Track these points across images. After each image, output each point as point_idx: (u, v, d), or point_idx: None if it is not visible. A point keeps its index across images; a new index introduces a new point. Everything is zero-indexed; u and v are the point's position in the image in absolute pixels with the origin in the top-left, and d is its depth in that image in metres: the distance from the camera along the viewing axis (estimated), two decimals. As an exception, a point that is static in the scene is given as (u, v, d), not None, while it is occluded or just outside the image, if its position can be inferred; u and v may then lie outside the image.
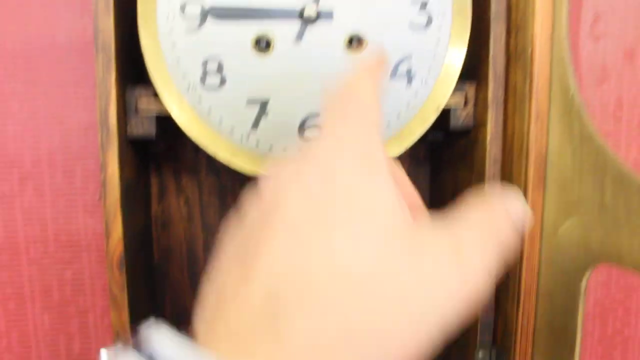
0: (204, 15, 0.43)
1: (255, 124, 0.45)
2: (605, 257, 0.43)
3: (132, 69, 0.48)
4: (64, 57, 0.57)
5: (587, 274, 0.45)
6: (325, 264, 0.23)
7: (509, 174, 0.48)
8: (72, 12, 0.57)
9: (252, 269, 0.24)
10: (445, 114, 0.48)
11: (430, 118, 0.46)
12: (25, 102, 0.57)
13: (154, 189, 0.59)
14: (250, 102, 0.45)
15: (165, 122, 0.46)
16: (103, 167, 0.45)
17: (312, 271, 0.23)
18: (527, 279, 0.49)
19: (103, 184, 0.45)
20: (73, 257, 0.61)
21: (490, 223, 0.26)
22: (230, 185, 0.59)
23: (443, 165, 0.57)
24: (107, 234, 0.46)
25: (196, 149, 0.54)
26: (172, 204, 0.59)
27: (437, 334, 0.24)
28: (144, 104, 0.46)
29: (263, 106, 0.45)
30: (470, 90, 0.48)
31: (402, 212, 0.25)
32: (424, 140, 0.48)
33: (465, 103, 0.48)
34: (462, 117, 0.49)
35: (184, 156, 0.59)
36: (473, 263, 0.25)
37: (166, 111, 0.45)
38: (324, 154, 0.27)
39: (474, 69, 0.48)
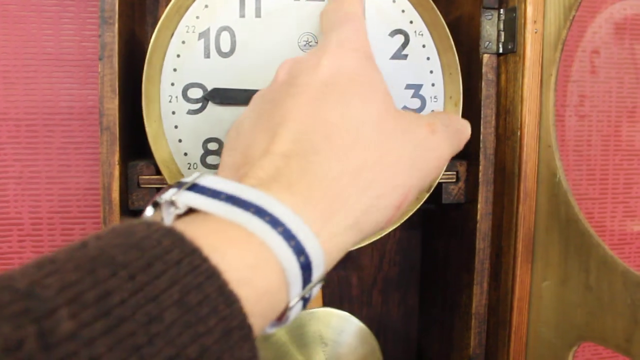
0: (206, 98, 0.45)
1: (254, 202, 0.46)
2: (590, 337, 0.44)
3: (134, 142, 0.49)
4: (65, 123, 0.59)
5: (572, 350, 0.46)
6: (342, 117, 0.30)
7: (499, 248, 0.50)
8: (74, 82, 0.58)
9: (279, 126, 0.30)
10: (437, 188, 0.50)
11: (423, 196, 0.48)
12: (26, 166, 0.59)
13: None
14: (250, 181, 0.46)
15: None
16: (105, 241, 0.46)
17: (333, 122, 0.29)
18: (515, 349, 0.50)
19: (104, 258, 0.46)
20: (70, 315, 0.62)
21: (452, 120, 0.37)
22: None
23: (435, 232, 0.58)
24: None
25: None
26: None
27: (420, 181, 0.32)
28: (146, 178, 0.47)
29: (262, 185, 0.46)
30: (462, 168, 0.50)
31: (391, 95, 0.33)
32: (418, 208, 0.49)
33: (457, 180, 0.50)
34: (454, 193, 0.50)
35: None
36: (441, 137, 0.34)
37: (166, 182, 0.46)
38: (331, 48, 0.33)
39: (465, 148, 0.50)
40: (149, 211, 0.28)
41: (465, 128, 0.38)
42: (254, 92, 0.45)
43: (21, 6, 0.57)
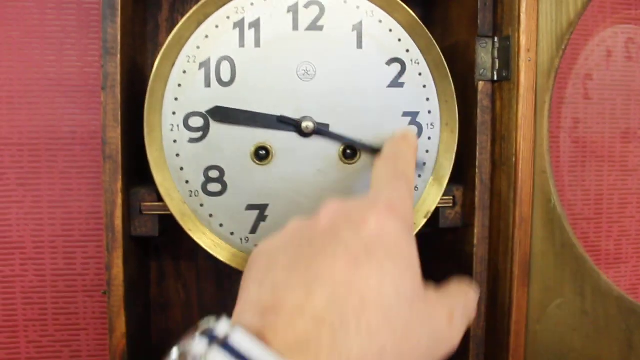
0: (207, 127, 0.46)
1: (254, 228, 0.47)
2: (587, 361, 0.45)
3: (135, 168, 0.50)
4: (67, 148, 0.59)
5: (570, 373, 0.47)
6: (377, 292, 0.29)
7: (496, 272, 0.50)
8: (76, 107, 0.59)
9: (315, 282, 0.29)
10: (435, 213, 0.50)
11: (420, 222, 0.48)
12: (29, 190, 0.59)
13: (153, 274, 0.61)
14: (250, 207, 0.47)
15: (167, 218, 0.48)
16: (108, 267, 0.47)
17: (367, 297, 0.29)
18: (513, 371, 0.51)
19: (108, 283, 0.47)
20: (71, 338, 0.63)
21: (469, 306, 0.37)
22: (226, 271, 0.61)
23: (432, 255, 0.59)
24: (111, 329, 0.47)
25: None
26: (170, 287, 0.61)
27: None
28: (148, 205, 0.48)
29: (262, 212, 0.47)
30: (458, 193, 0.51)
31: (420, 271, 0.33)
32: (416, 234, 0.50)
33: (454, 204, 0.51)
34: (450, 217, 0.51)
35: (182, 242, 0.60)
36: (458, 328, 0.34)
37: (168, 209, 0.47)
38: (380, 208, 0.33)
39: (461, 173, 0.51)
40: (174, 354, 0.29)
41: (474, 311, 0.39)
42: (254, 114, 0.46)
43: (24, 33, 0.58)
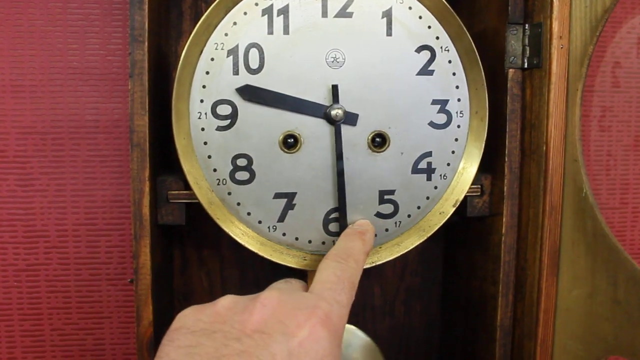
0: (235, 114, 0.46)
1: (282, 217, 0.47)
2: (619, 351, 0.45)
3: (161, 155, 0.50)
4: (90, 137, 0.59)
5: (600, 363, 0.47)
6: None
7: (524, 261, 0.50)
8: (99, 95, 0.59)
9: None
10: (462, 201, 0.50)
11: (448, 211, 0.48)
12: (52, 179, 0.59)
13: (177, 262, 0.61)
14: (278, 196, 0.47)
15: (193, 207, 0.48)
16: (135, 255, 0.47)
17: None
18: (541, 361, 0.50)
19: (135, 271, 0.47)
20: (94, 326, 0.63)
21: None
22: (250, 259, 0.61)
23: (458, 244, 0.59)
24: (138, 318, 0.48)
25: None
26: (194, 276, 0.61)
27: None
28: (175, 193, 0.48)
29: (290, 200, 0.47)
30: (487, 181, 0.50)
31: None
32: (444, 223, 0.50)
33: (482, 193, 0.50)
34: (478, 206, 0.51)
35: (206, 230, 0.60)
36: None
37: (195, 197, 0.46)
38: (313, 316, 0.34)
39: (490, 162, 0.50)
40: None
41: None
42: (284, 95, 0.45)
43: (47, 21, 0.58)
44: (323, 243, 0.48)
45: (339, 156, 0.46)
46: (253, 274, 0.62)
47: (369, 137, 0.47)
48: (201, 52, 0.45)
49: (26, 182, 0.59)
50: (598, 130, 0.65)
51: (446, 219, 0.48)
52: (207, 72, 0.45)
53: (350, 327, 0.53)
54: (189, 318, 0.35)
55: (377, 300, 0.64)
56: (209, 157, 0.46)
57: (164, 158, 0.52)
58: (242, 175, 0.46)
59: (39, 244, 0.61)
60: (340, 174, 0.46)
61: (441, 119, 0.47)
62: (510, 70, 0.48)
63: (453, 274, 0.61)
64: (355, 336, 0.54)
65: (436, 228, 0.48)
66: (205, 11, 0.45)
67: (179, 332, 0.34)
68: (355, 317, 0.64)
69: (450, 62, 0.47)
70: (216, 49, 0.45)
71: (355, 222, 0.46)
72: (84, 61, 0.59)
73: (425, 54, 0.47)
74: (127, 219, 0.61)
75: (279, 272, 0.59)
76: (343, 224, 0.46)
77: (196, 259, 0.61)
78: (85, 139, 0.59)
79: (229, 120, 0.46)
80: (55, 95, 0.59)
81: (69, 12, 0.58)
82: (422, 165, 0.48)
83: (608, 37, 0.65)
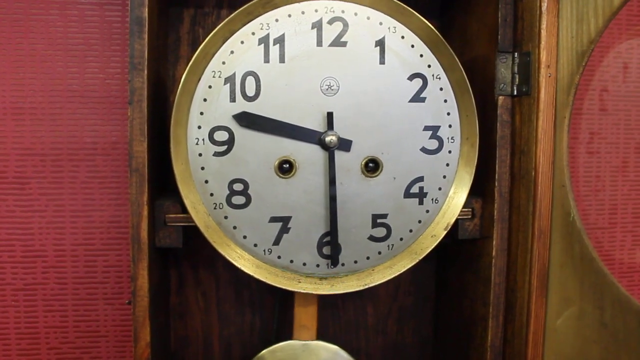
0: (231, 140, 0.47)
1: (277, 240, 0.48)
2: (606, 372, 0.46)
3: (160, 180, 0.51)
4: (89, 158, 0.60)
5: (588, 384, 0.48)
6: None
7: (514, 283, 0.51)
8: (98, 118, 0.60)
9: None
10: (454, 224, 0.51)
11: (440, 234, 0.49)
12: (51, 200, 0.60)
13: (173, 282, 0.62)
14: (273, 220, 0.48)
15: (190, 229, 0.49)
16: (133, 278, 0.47)
17: None
18: (531, 381, 0.51)
19: (133, 294, 0.48)
20: (91, 345, 0.63)
21: None
22: (245, 280, 0.62)
23: (449, 264, 0.60)
24: (136, 339, 0.48)
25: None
26: (190, 296, 0.62)
27: None
28: (172, 216, 0.49)
29: (285, 224, 0.48)
30: (477, 205, 0.52)
31: None
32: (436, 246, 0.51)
33: (473, 216, 0.52)
34: (469, 229, 0.52)
35: (202, 251, 0.61)
36: None
37: (192, 221, 0.47)
38: None
39: (480, 186, 0.51)
40: None
41: None
42: (280, 122, 0.47)
43: (48, 45, 0.59)
44: (317, 266, 0.49)
45: (331, 181, 0.47)
46: (248, 294, 0.62)
47: (363, 163, 0.48)
48: (199, 79, 0.47)
49: (25, 202, 0.60)
50: (586, 152, 0.66)
51: (438, 242, 0.49)
52: (205, 99, 0.47)
53: (334, 348, 0.54)
54: None
55: (370, 319, 0.65)
56: (206, 181, 0.47)
57: (161, 181, 0.53)
58: (239, 200, 0.47)
59: (37, 264, 0.61)
60: (332, 199, 0.47)
61: (433, 144, 0.49)
62: (500, 97, 0.50)
63: (445, 294, 0.62)
64: (339, 356, 0.54)
65: (428, 251, 0.49)
66: (203, 37, 0.46)
67: None
68: (349, 335, 0.65)
69: (441, 89, 0.49)
70: (214, 76, 0.47)
71: None
72: (84, 84, 0.60)
73: (417, 82, 0.48)
74: (125, 239, 0.62)
75: (274, 292, 0.60)
76: (334, 247, 0.47)
77: (192, 279, 0.62)
78: (84, 161, 0.60)
79: (226, 146, 0.47)
80: (55, 117, 0.60)
81: (69, 36, 0.59)
82: (414, 189, 0.49)
83: (596, 62, 0.66)
